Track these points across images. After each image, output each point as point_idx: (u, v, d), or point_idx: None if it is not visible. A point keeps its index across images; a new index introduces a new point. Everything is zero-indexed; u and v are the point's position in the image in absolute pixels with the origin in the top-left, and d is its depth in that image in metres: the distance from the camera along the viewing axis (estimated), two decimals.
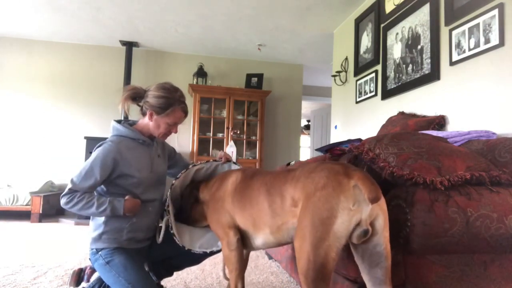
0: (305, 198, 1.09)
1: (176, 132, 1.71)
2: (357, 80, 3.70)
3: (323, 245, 0.99)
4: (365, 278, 1.14)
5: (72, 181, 1.51)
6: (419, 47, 2.73)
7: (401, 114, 2.82)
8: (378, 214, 1.07)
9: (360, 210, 1.03)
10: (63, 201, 1.49)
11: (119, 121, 1.67)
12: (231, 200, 1.46)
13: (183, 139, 5.30)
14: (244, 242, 1.44)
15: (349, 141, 2.27)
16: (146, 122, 1.66)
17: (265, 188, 1.32)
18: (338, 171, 1.08)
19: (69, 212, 4.98)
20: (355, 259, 1.17)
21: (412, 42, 2.82)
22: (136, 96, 1.66)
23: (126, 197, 1.56)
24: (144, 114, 1.66)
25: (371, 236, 1.07)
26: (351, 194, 1.03)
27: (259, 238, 1.35)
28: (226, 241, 1.45)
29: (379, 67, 3.29)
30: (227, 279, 1.67)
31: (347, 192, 1.03)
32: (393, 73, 3.06)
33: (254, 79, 5.32)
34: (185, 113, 1.68)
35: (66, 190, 1.50)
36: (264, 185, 1.33)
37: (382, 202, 1.08)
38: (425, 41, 2.66)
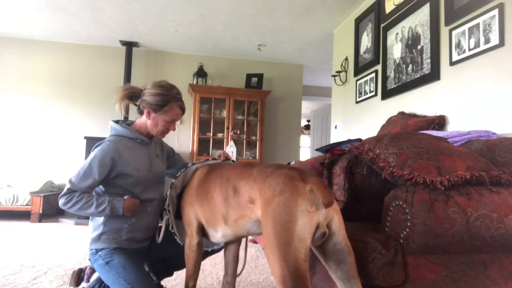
0: (263, 203, 1.11)
1: (174, 129, 1.72)
2: (357, 80, 3.70)
3: (290, 248, 1.01)
4: (335, 277, 1.17)
5: (70, 181, 1.50)
6: (419, 47, 2.73)
7: (401, 114, 2.82)
8: (333, 216, 1.11)
9: (318, 213, 1.06)
10: (61, 201, 1.49)
11: (117, 121, 1.67)
12: (194, 194, 1.49)
13: (183, 139, 5.30)
14: (206, 235, 1.48)
15: (349, 141, 2.27)
16: (144, 120, 1.66)
17: (220, 181, 1.35)
18: (293, 176, 1.10)
19: (69, 212, 4.95)
20: (321, 261, 1.20)
21: (412, 42, 2.82)
22: (133, 95, 1.66)
23: (125, 197, 1.56)
24: (141, 113, 1.67)
25: (330, 236, 1.11)
26: (307, 197, 1.05)
27: (218, 231, 1.37)
28: (189, 240, 1.50)
29: (379, 67, 3.29)
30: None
31: (304, 195, 1.05)
32: (393, 73, 3.06)
33: (254, 79, 5.32)
34: (182, 109, 1.68)
35: (65, 190, 1.50)
36: (220, 178, 1.37)
37: (335, 204, 1.13)
38: (425, 41, 2.66)
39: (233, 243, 1.63)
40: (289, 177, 1.10)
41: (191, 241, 1.48)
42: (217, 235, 1.40)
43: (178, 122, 1.74)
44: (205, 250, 1.65)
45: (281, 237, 1.02)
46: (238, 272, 1.66)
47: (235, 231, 1.30)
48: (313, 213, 1.05)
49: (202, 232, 1.49)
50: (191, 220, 1.49)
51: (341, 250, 1.13)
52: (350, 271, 1.13)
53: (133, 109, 1.72)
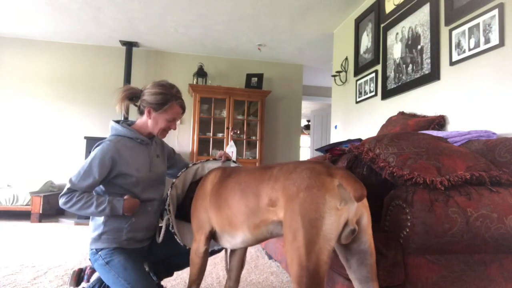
0: (287, 199, 1.06)
1: (175, 128, 1.72)
2: (357, 80, 3.70)
3: (315, 248, 0.96)
4: (352, 277, 1.14)
5: (70, 180, 1.50)
6: (419, 47, 2.73)
7: (401, 114, 2.82)
8: (363, 212, 1.06)
9: (347, 209, 1.01)
10: (61, 200, 1.48)
11: (117, 121, 1.67)
12: (209, 200, 1.44)
13: (183, 139, 5.30)
14: (222, 241, 1.43)
15: (349, 141, 2.28)
16: (145, 120, 1.66)
17: (239, 187, 1.29)
18: (320, 171, 1.05)
19: (69, 212, 4.98)
20: (341, 259, 1.16)
21: (412, 42, 2.82)
22: (133, 96, 1.66)
23: (125, 197, 1.56)
24: (141, 113, 1.67)
25: (357, 234, 1.06)
26: (336, 193, 1.00)
27: (237, 237, 1.32)
28: (196, 246, 1.45)
29: (379, 67, 3.29)
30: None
31: (332, 191, 1.00)
32: (393, 73, 3.05)
33: (254, 79, 5.32)
34: (183, 108, 1.68)
35: (65, 190, 1.50)
36: (238, 185, 1.31)
37: (365, 200, 1.07)
38: (425, 41, 2.66)
39: (241, 248, 1.61)
40: (315, 172, 1.05)
41: (198, 247, 1.44)
42: (235, 241, 1.35)
43: (178, 122, 1.74)
44: None
45: (307, 234, 0.97)
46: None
47: (257, 236, 1.25)
48: (342, 210, 1.00)
49: (212, 237, 1.46)
50: (204, 225, 1.45)
51: (365, 251, 1.09)
52: (369, 273, 1.10)
53: (133, 109, 1.72)
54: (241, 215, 1.26)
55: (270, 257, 2.74)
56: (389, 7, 3.14)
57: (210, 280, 2.19)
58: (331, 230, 0.98)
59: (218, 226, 1.39)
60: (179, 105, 1.66)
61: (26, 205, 4.32)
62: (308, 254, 0.96)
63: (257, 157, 5.17)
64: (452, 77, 2.41)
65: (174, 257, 1.73)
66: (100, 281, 1.63)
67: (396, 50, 3.03)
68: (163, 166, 1.77)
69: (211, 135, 5.11)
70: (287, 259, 1.03)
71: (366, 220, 1.07)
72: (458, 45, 2.32)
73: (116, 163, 1.55)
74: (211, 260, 2.59)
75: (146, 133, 1.68)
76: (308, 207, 0.99)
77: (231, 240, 1.36)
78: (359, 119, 3.67)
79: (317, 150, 2.41)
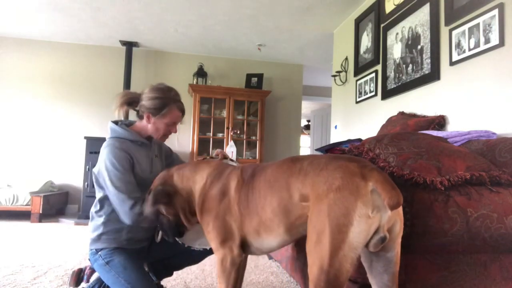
0: (316, 198, 1.00)
1: (175, 132, 1.71)
2: (357, 80, 3.70)
3: (339, 255, 0.91)
4: (372, 281, 1.10)
5: (118, 195, 1.48)
6: (419, 47, 2.73)
7: (401, 114, 2.82)
8: (396, 220, 0.99)
9: (379, 218, 0.94)
10: (135, 214, 1.47)
11: (116, 122, 1.66)
12: (237, 208, 1.25)
13: (183, 139, 5.30)
14: (251, 248, 1.27)
15: (349, 141, 2.27)
16: (144, 124, 1.65)
17: (268, 185, 1.17)
18: (354, 171, 0.97)
19: (69, 212, 4.98)
20: (363, 262, 1.11)
21: (412, 42, 2.82)
22: (131, 101, 1.65)
23: None
24: (141, 117, 1.66)
25: (387, 243, 0.99)
26: (369, 200, 0.93)
27: (272, 241, 1.19)
28: (230, 257, 1.25)
29: (379, 67, 3.29)
30: None
31: (365, 197, 0.93)
32: (393, 73, 3.05)
33: (254, 79, 5.32)
34: (182, 111, 1.67)
35: (129, 204, 1.46)
36: (267, 183, 1.18)
37: (400, 207, 0.98)
38: (425, 41, 2.66)
39: None
40: (348, 172, 0.98)
41: (234, 259, 1.24)
42: (270, 244, 1.21)
43: (178, 124, 1.73)
44: (204, 248, 1.64)
45: (333, 239, 0.92)
46: None
47: (295, 235, 1.16)
48: (374, 219, 0.93)
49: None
50: (232, 233, 1.25)
51: (390, 259, 1.03)
52: (390, 282, 1.05)
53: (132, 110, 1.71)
54: (276, 216, 1.13)
55: (270, 257, 2.74)
56: (389, 7, 3.14)
57: (210, 280, 2.19)
58: (359, 238, 0.92)
59: (250, 233, 1.22)
60: (178, 108, 1.65)
61: (26, 205, 4.32)
62: (331, 259, 0.92)
63: (257, 157, 5.17)
64: (452, 77, 2.41)
65: (174, 257, 1.73)
66: (99, 281, 1.63)
67: (396, 50, 3.03)
68: (161, 167, 1.76)
69: (211, 135, 5.11)
70: (308, 260, 0.98)
71: (398, 229, 1.01)
72: (458, 45, 2.32)
73: (132, 163, 1.55)
74: (211, 260, 2.58)
75: (146, 135, 1.68)
76: (337, 210, 0.93)
77: (265, 245, 1.22)
78: (359, 119, 3.67)
79: (317, 150, 2.41)
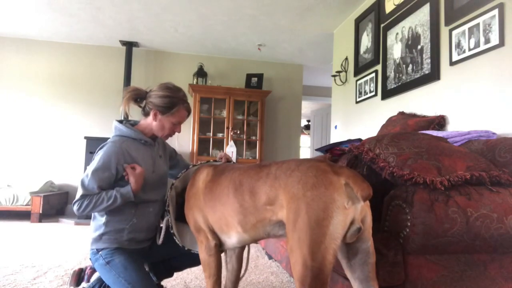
0: (290, 198, 1.04)
1: (179, 131, 1.73)
2: (357, 80, 3.70)
3: (320, 248, 0.96)
4: (352, 276, 1.14)
5: (82, 184, 1.51)
6: (419, 47, 2.73)
7: (401, 114, 2.82)
8: (367, 212, 1.08)
9: (354, 209, 1.01)
10: (75, 208, 1.50)
11: (120, 121, 1.67)
12: (203, 199, 1.39)
13: (183, 139, 5.30)
14: (221, 241, 1.39)
15: (349, 141, 2.27)
16: (149, 122, 1.66)
17: (233, 186, 1.25)
18: (325, 169, 1.04)
19: (69, 212, 4.98)
20: (340, 259, 1.16)
21: (412, 42, 2.82)
22: (138, 97, 1.67)
23: (124, 165, 1.55)
24: (147, 114, 1.67)
25: (361, 233, 1.06)
26: (344, 192, 0.99)
27: (233, 237, 1.29)
28: (205, 245, 1.39)
29: (379, 67, 3.29)
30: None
31: (339, 189, 0.99)
32: (393, 73, 3.06)
33: (254, 79, 5.32)
34: (189, 112, 1.70)
35: (77, 196, 1.50)
36: (232, 183, 1.26)
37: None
38: (425, 41, 2.66)
39: (239, 247, 1.58)
40: (321, 170, 1.03)
41: (207, 245, 1.38)
42: (232, 241, 1.32)
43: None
44: None
45: (313, 234, 0.96)
46: (241, 274, 1.64)
47: (253, 236, 1.23)
48: (349, 210, 0.99)
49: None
50: (200, 226, 1.41)
51: (366, 250, 1.10)
52: (370, 273, 1.11)
53: (133, 109, 1.71)
54: (237, 215, 1.22)
55: (270, 257, 2.74)
56: (389, 7, 3.14)
57: None
58: (338, 229, 0.98)
59: (215, 226, 1.35)
60: (185, 108, 1.68)
61: (26, 205, 4.32)
62: (313, 254, 0.96)
63: (257, 157, 5.17)
64: (452, 77, 2.41)
65: (175, 258, 1.73)
66: (100, 281, 1.63)
67: (396, 50, 3.03)
68: (165, 167, 1.77)
69: (211, 135, 5.11)
70: (291, 259, 1.02)
71: (369, 219, 1.09)
72: (458, 45, 2.32)
73: (121, 164, 1.55)
74: None
75: (150, 134, 1.69)
76: (316, 206, 0.98)
77: (228, 240, 1.34)
78: (359, 119, 3.67)
79: (317, 150, 2.41)
